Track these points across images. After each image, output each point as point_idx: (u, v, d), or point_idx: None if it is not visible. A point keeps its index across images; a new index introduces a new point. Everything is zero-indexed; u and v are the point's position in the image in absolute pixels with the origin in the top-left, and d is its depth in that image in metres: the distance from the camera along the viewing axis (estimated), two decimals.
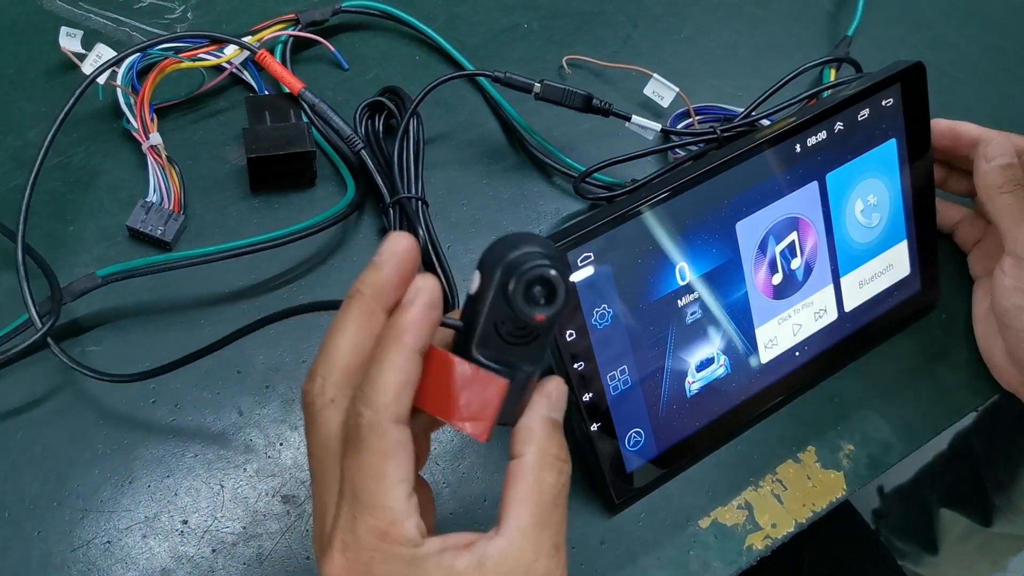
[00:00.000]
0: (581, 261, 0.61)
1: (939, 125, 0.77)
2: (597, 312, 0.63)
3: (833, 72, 0.87)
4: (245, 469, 0.68)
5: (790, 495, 0.72)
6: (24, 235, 0.69)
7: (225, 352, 0.70)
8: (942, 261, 0.80)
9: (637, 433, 0.67)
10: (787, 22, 0.96)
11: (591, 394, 0.64)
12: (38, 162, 0.70)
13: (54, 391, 0.69)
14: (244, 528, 0.66)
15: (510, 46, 0.90)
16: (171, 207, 0.75)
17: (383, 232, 0.77)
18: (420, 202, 0.76)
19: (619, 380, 0.65)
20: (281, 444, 0.69)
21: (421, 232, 0.74)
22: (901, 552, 1.59)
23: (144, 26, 0.85)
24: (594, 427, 0.65)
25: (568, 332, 0.62)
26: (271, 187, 0.79)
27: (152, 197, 0.75)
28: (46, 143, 0.70)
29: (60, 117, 0.71)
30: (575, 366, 0.63)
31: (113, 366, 0.69)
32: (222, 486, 0.67)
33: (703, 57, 0.92)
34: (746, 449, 0.74)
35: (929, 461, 1.51)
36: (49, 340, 0.67)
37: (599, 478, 0.68)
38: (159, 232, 0.74)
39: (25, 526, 0.64)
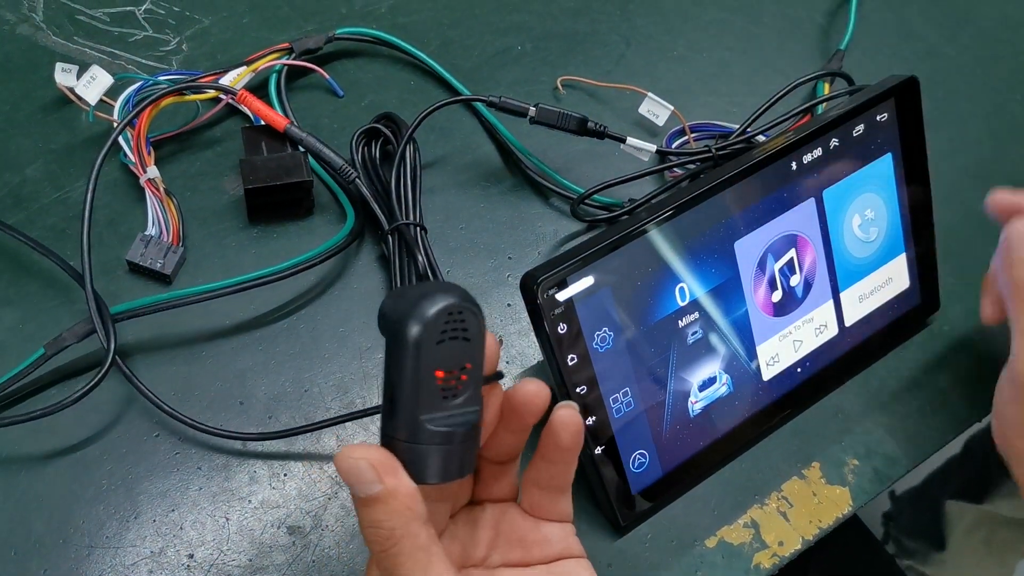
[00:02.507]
0: (581, 286, 0.61)
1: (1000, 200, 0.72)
2: (598, 336, 0.62)
3: (827, 86, 0.87)
4: (250, 501, 0.68)
5: (796, 512, 0.72)
6: (91, 275, 0.69)
7: (227, 383, 0.70)
8: (941, 272, 0.80)
9: (641, 455, 0.67)
10: (779, 37, 0.96)
11: (594, 418, 0.64)
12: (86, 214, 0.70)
13: (55, 429, 0.68)
14: (250, 560, 0.66)
15: (504, 69, 0.90)
16: (170, 240, 0.75)
17: (382, 259, 0.78)
18: (418, 228, 0.75)
19: (622, 403, 0.65)
20: (285, 475, 0.69)
21: (420, 258, 0.74)
22: (910, 551, 1.59)
23: (139, 59, 0.85)
24: (598, 450, 0.65)
25: (570, 357, 0.61)
26: (269, 217, 0.79)
27: (151, 230, 0.75)
28: (87, 203, 0.70)
29: (94, 173, 0.70)
30: (578, 391, 0.62)
31: (119, 403, 0.70)
32: (227, 519, 0.67)
33: (697, 74, 0.92)
34: (751, 467, 0.73)
35: (941, 464, 1.51)
36: (117, 358, 0.68)
37: (604, 501, 0.67)
38: (159, 265, 0.74)
39: (31, 565, 0.64)
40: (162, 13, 0.88)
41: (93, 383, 0.67)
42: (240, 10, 0.89)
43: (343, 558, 0.66)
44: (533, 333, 0.62)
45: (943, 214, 0.84)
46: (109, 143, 0.71)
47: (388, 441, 0.48)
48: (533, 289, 0.59)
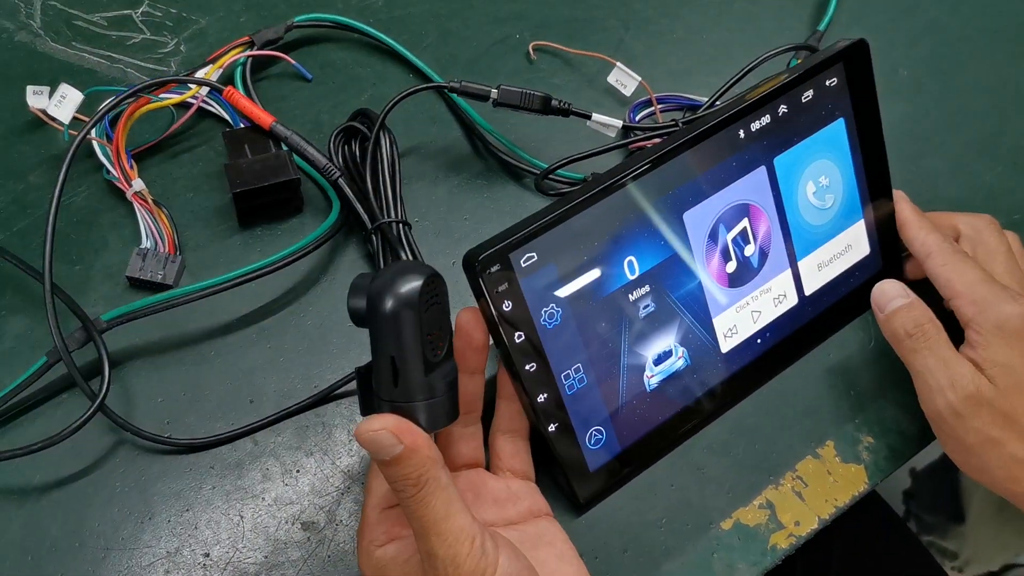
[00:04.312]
0: (524, 262, 0.60)
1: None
2: (545, 312, 0.62)
3: (800, 61, 0.85)
4: (263, 498, 0.68)
5: (811, 491, 0.72)
6: (52, 276, 0.69)
7: (236, 381, 0.71)
8: None
9: (597, 431, 0.66)
10: (779, 16, 0.95)
11: (545, 395, 0.63)
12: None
13: (69, 432, 0.68)
14: (266, 557, 0.66)
15: (503, 58, 0.90)
16: (166, 250, 0.75)
17: (369, 257, 0.78)
18: (401, 225, 0.76)
19: (574, 379, 0.64)
20: (298, 471, 0.70)
21: (404, 255, 0.74)
22: (930, 527, 1.56)
23: (138, 62, 0.86)
24: (552, 428, 0.64)
25: (517, 334, 0.61)
26: (260, 219, 0.79)
27: (146, 243, 0.76)
28: (52, 211, 0.70)
29: (60, 180, 0.71)
30: (527, 368, 0.62)
31: (129, 408, 0.71)
32: (241, 516, 0.68)
33: (697, 57, 0.92)
34: (764, 447, 0.73)
35: None
36: (105, 407, 0.68)
37: (562, 479, 0.67)
38: (160, 277, 0.74)
39: (48, 569, 0.65)
40: (159, 15, 0.89)
41: (78, 422, 0.67)
42: (237, 9, 0.90)
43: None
44: None
45: (950, 189, 0.85)
46: (69, 156, 0.71)
47: (395, 407, 0.56)
48: (474, 267, 0.59)
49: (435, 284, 0.56)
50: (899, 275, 0.78)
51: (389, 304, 0.54)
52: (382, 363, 0.55)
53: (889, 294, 0.71)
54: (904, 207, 0.75)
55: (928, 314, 0.69)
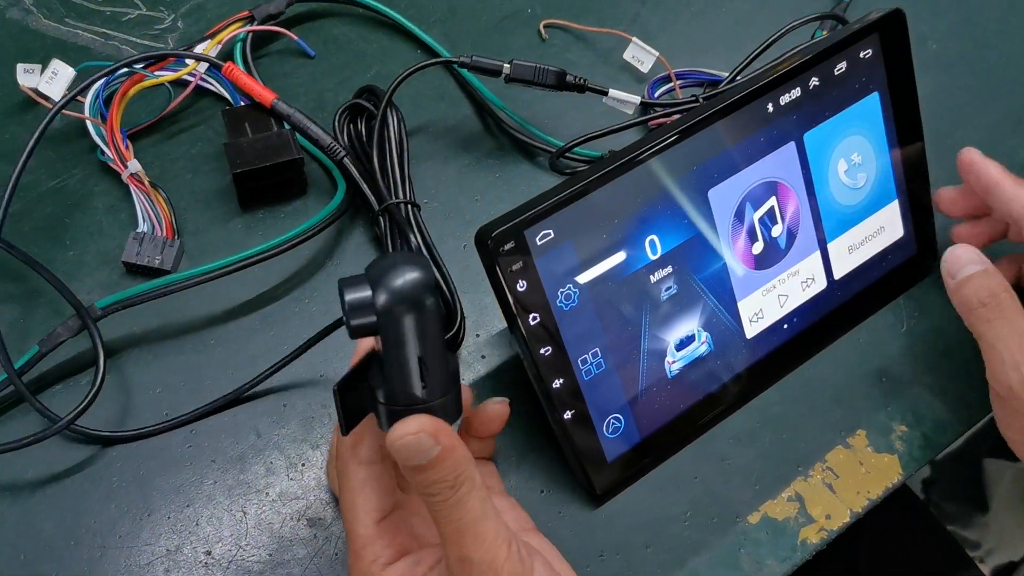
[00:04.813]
0: (540, 239, 0.58)
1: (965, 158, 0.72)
2: (562, 293, 0.60)
3: (826, 33, 0.84)
4: (267, 493, 0.67)
5: (842, 483, 0.69)
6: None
7: (238, 371, 0.70)
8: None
9: (616, 419, 0.64)
10: None
11: (561, 381, 0.61)
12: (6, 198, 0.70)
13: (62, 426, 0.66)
14: (270, 555, 0.65)
15: (513, 33, 0.88)
16: (164, 234, 0.74)
17: (376, 240, 0.76)
18: (410, 206, 0.73)
19: (591, 364, 0.62)
20: (303, 465, 0.68)
21: (413, 238, 0.71)
22: (951, 516, 1.56)
23: (134, 39, 0.84)
24: (567, 415, 0.62)
25: (532, 316, 0.59)
26: (263, 201, 0.77)
27: (143, 227, 0.74)
28: (12, 179, 0.70)
29: (25, 153, 0.70)
30: (542, 352, 0.60)
31: (126, 399, 0.69)
32: (245, 512, 0.66)
33: (717, 30, 0.90)
34: (792, 437, 0.71)
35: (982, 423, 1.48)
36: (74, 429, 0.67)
37: (578, 468, 0.65)
38: (157, 262, 0.72)
39: (42, 568, 0.63)
40: None
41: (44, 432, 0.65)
42: None
43: None
44: None
45: None
46: (43, 124, 0.70)
47: (424, 407, 0.52)
48: (487, 244, 0.57)
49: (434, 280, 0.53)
50: (933, 259, 0.76)
51: (410, 302, 0.50)
52: (408, 366, 0.51)
53: (963, 259, 0.67)
54: (991, 167, 0.70)
55: (1003, 283, 0.66)
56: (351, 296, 0.50)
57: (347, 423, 0.54)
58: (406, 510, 0.58)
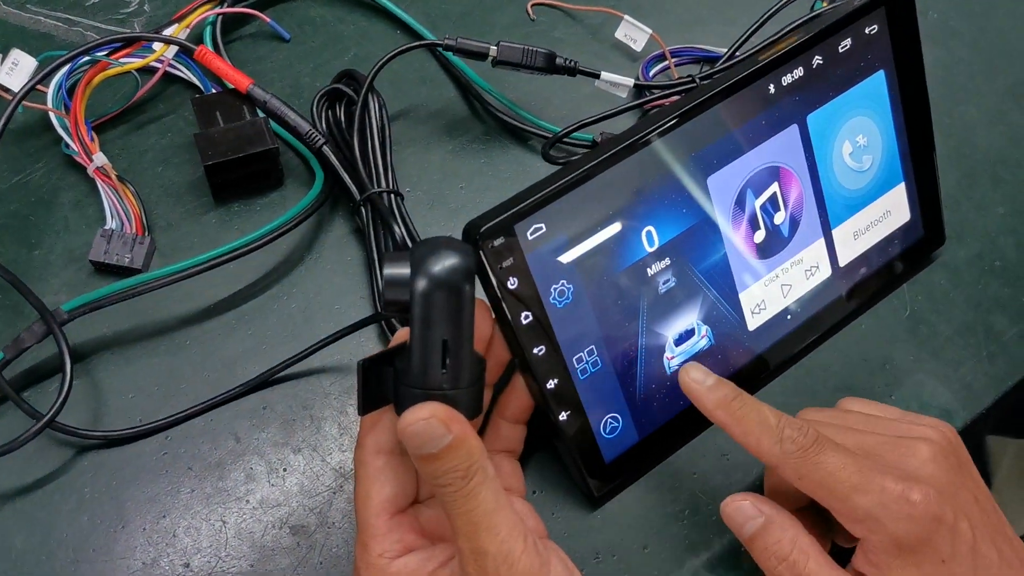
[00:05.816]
0: (531, 233, 0.56)
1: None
2: (555, 289, 0.58)
3: (825, 4, 0.82)
4: (248, 501, 0.65)
5: None
6: None
7: (215, 372, 0.68)
8: (988, 200, 0.75)
9: (613, 419, 0.63)
10: None
11: (556, 380, 0.59)
12: None
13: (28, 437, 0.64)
14: (252, 566, 0.63)
15: (498, 11, 0.87)
16: (133, 230, 0.72)
17: (358, 232, 0.74)
18: (393, 195, 0.71)
19: (587, 363, 0.60)
20: (285, 470, 0.66)
21: (397, 229, 0.70)
22: None
23: (99, 24, 0.82)
24: (563, 416, 0.60)
25: (524, 314, 0.57)
26: (237, 193, 0.75)
27: (111, 223, 0.72)
28: None
29: None
30: (535, 351, 0.58)
31: (97, 405, 0.67)
32: (224, 522, 0.64)
33: (711, 3, 0.88)
34: None
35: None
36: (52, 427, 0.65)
37: (575, 470, 0.63)
38: (127, 260, 0.70)
39: None
40: None
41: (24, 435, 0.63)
42: None
43: (353, 557, 0.61)
44: None
45: (988, 138, 0.82)
46: (5, 117, 0.68)
47: (441, 395, 0.51)
48: (476, 240, 0.55)
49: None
50: (940, 242, 0.75)
51: (448, 284, 0.50)
52: (431, 346, 0.51)
53: (746, 512, 0.59)
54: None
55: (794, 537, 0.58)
56: (390, 270, 0.51)
57: (364, 403, 0.54)
58: (428, 507, 0.57)
